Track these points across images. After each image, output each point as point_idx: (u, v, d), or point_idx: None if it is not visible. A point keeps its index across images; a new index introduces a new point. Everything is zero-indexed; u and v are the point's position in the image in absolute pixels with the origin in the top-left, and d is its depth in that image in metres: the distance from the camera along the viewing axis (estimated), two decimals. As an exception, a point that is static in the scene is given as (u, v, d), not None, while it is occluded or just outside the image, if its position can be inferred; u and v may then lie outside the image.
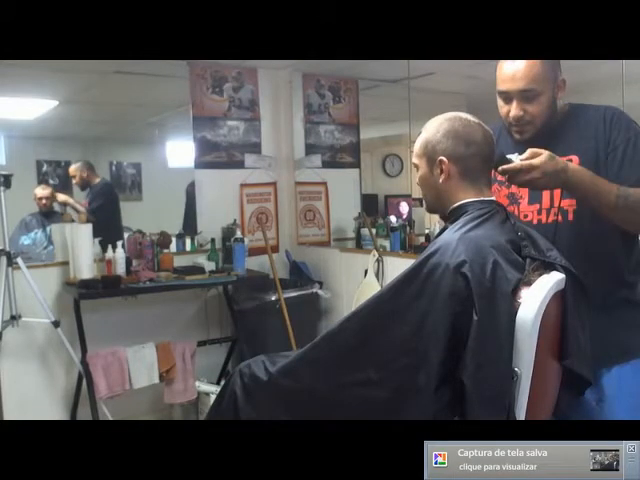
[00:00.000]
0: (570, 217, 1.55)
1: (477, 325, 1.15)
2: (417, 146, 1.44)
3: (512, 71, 1.53)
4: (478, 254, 1.21)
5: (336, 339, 1.35)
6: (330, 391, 1.33)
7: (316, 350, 1.38)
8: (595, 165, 1.50)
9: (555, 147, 1.52)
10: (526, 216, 1.60)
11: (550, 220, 1.57)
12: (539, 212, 1.59)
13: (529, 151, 1.42)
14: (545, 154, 1.39)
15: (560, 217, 1.54)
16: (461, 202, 1.39)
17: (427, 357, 1.19)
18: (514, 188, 1.61)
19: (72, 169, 3.74)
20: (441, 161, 1.38)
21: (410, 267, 1.28)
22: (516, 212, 1.61)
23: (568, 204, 1.55)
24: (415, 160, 1.45)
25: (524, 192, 1.60)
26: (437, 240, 1.31)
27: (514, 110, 1.54)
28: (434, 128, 1.40)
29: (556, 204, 1.54)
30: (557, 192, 1.54)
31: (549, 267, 1.30)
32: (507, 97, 1.56)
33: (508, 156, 1.43)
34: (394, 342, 1.25)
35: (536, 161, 1.39)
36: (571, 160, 1.52)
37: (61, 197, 3.66)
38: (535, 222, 1.58)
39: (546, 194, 1.57)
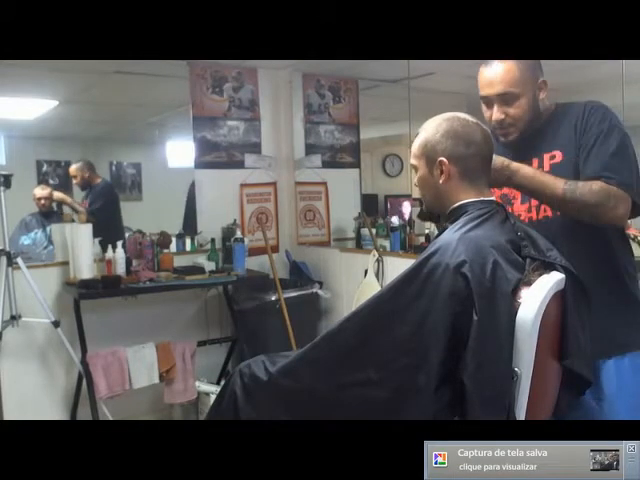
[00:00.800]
0: (559, 212, 1.56)
1: (477, 325, 1.15)
2: (415, 147, 1.43)
3: (490, 76, 1.57)
4: (478, 254, 1.21)
5: (336, 339, 1.35)
6: (330, 391, 1.33)
7: (316, 350, 1.38)
8: (576, 157, 1.52)
9: (540, 145, 1.56)
10: (519, 215, 1.61)
11: (541, 216, 1.58)
12: (529, 210, 1.61)
13: None
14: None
15: (550, 212, 1.56)
16: (461, 202, 1.38)
17: (427, 357, 1.19)
18: (506, 189, 1.62)
19: (73, 169, 3.73)
20: (441, 162, 1.37)
21: (410, 267, 1.28)
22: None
23: None
24: (413, 161, 1.44)
25: (517, 193, 1.61)
26: (437, 240, 1.31)
27: (495, 114, 1.59)
28: (433, 128, 1.39)
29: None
30: None
31: (549, 267, 1.30)
32: (488, 102, 1.61)
33: None
34: (394, 342, 1.24)
35: None
36: (554, 155, 1.56)
37: (57, 195, 3.64)
38: (527, 220, 1.59)
39: None
